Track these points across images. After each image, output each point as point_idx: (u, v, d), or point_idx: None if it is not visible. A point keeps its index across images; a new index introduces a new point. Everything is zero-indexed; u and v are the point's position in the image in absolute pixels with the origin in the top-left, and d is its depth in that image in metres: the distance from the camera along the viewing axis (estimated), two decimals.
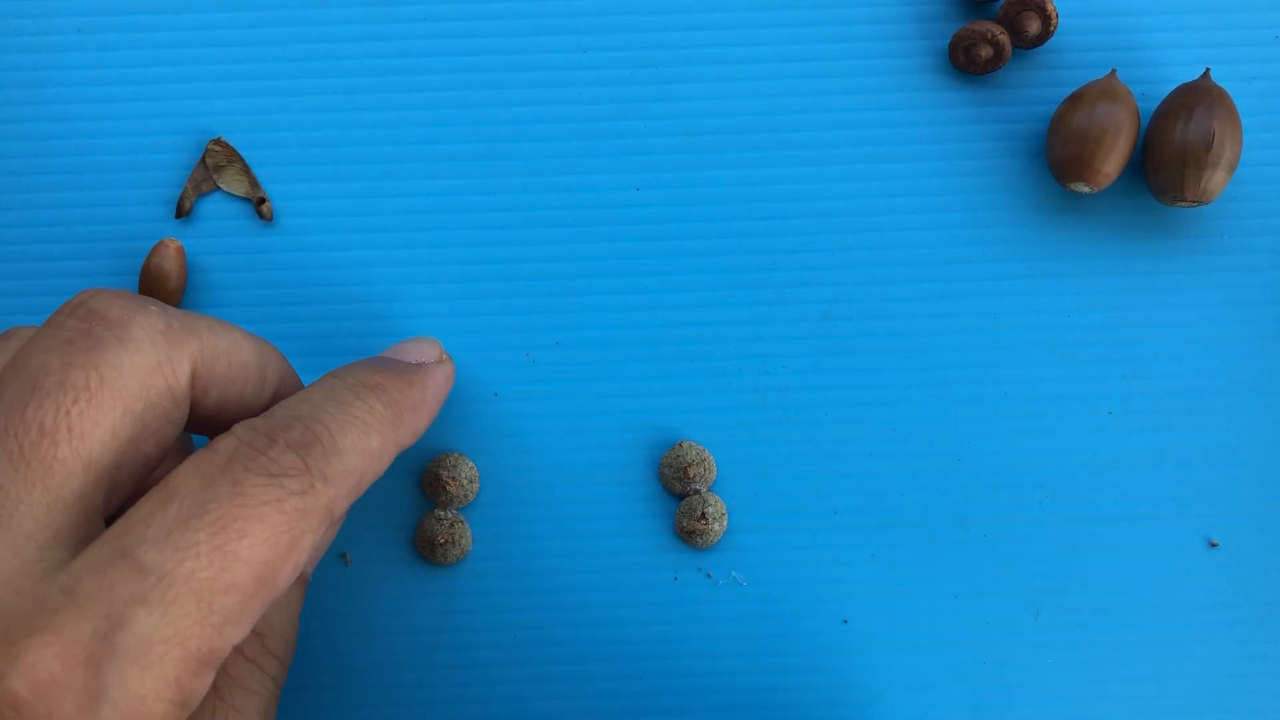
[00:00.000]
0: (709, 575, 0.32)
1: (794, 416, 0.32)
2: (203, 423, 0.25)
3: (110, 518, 0.23)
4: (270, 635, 0.26)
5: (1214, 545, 0.32)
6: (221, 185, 0.32)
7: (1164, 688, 0.32)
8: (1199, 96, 0.31)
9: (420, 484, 0.32)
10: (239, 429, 0.23)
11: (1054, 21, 0.32)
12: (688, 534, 0.31)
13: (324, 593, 0.32)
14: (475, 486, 0.32)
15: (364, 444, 0.25)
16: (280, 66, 0.33)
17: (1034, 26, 0.32)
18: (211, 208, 0.33)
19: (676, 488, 0.31)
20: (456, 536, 0.31)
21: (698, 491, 0.31)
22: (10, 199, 0.32)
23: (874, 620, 0.32)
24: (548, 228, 0.32)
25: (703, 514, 0.31)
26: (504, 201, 0.32)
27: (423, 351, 0.29)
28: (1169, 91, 0.32)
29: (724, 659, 0.32)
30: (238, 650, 0.25)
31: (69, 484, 0.21)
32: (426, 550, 0.31)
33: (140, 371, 0.23)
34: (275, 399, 0.27)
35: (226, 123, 0.33)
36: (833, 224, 0.32)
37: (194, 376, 0.24)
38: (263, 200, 0.32)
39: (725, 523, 0.32)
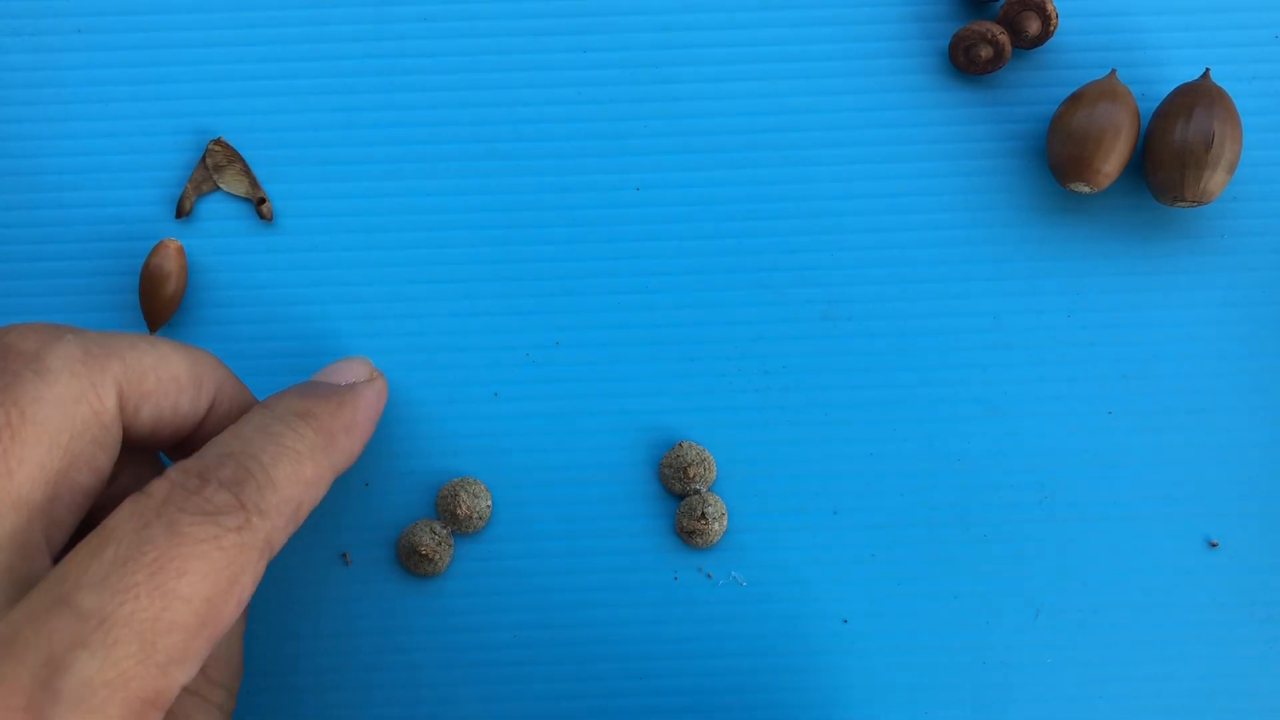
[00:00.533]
0: (709, 575, 0.32)
1: (794, 416, 0.32)
2: (142, 440, 0.25)
3: (59, 553, 0.23)
4: (213, 665, 0.26)
5: (1214, 545, 0.32)
6: (222, 185, 0.32)
7: (1164, 688, 0.32)
8: (1199, 96, 0.31)
9: (434, 504, 0.32)
10: (172, 471, 0.23)
11: (1054, 21, 0.32)
12: (688, 534, 0.31)
13: (323, 591, 0.32)
14: (487, 516, 0.32)
15: (298, 474, 0.25)
16: (280, 67, 0.33)
17: (1034, 26, 0.32)
18: (212, 208, 0.33)
19: (676, 487, 0.31)
20: (441, 555, 0.31)
21: (698, 491, 0.31)
22: (10, 199, 0.32)
23: (874, 620, 0.32)
24: (548, 228, 0.32)
25: (703, 514, 0.31)
26: (504, 201, 0.32)
27: (353, 371, 0.29)
28: (1169, 91, 0.32)
29: (724, 659, 0.32)
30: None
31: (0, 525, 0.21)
32: (407, 559, 0.31)
33: (62, 402, 0.22)
34: (214, 407, 0.27)
35: (227, 123, 0.33)
36: (833, 224, 0.32)
37: (121, 398, 0.24)
38: (263, 200, 0.32)
39: (725, 523, 0.32)
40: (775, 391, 0.32)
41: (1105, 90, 0.31)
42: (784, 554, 0.32)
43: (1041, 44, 0.32)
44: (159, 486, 0.23)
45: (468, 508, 0.31)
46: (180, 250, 0.32)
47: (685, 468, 0.31)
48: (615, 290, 0.32)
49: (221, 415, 0.27)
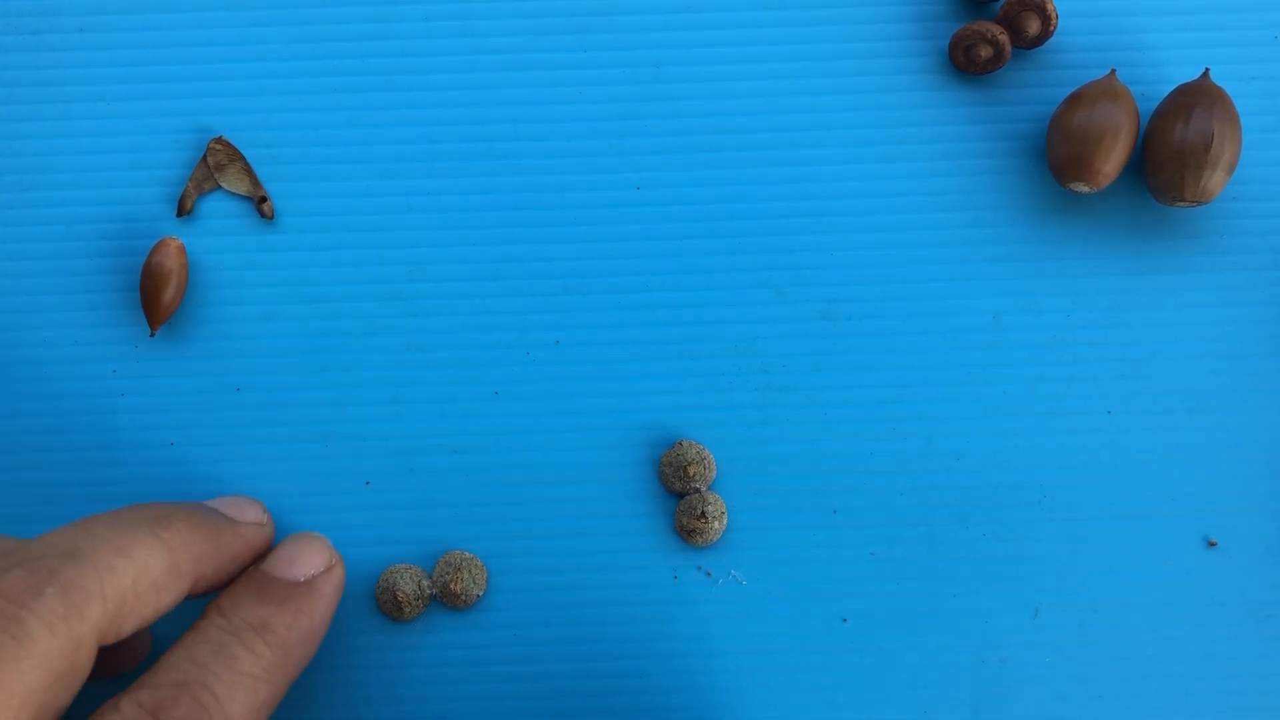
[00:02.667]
0: (709, 574, 0.32)
1: (794, 416, 0.32)
2: (117, 643, 0.25)
3: None
4: None
5: (1213, 545, 0.32)
6: (223, 184, 0.32)
7: (1163, 687, 0.32)
8: (1199, 96, 0.31)
9: (432, 578, 0.32)
10: (125, 705, 0.23)
11: (1054, 21, 0.32)
12: (688, 532, 0.31)
13: None
14: (475, 599, 0.31)
15: (253, 702, 0.25)
16: (281, 66, 0.33)
17: (1034, 26, 0.32)
18: (213, 206, 0.33)
19: (676, 486, 0.31)
20: (413, 609, 0.31)
21: (698, 490, 0.31)
22: (11, 198, 0.32)
23: (873, 620, 0.32)
24: (548, 228, 0.32)
25: (702, 512, 0.31)
26: (504, 201, 0.33)
27: (309, 560, 0.29)
28: (1169, 91, 0.32)
29: (724, 658, 0.32)
30: None
31: None
32: (389, 606, 0.31)
33: (40, 664, 0.22)
34: (196, 583, 0.26)
35: (228, 122, 0.33)
36: (833, 224, 0.32)
37: (100, 636, 0.24)
38: (264, 199, 0.32)
39: (725, 521, 0.32)
40: (775, 391, 0.32)
41: (1105, 90, 0.31)
42: (784, 553, 0.32)
43: (1041, 44, 0.32)
44: None
45: (462, 586, 0.31)
46: (181, 249, 0.32)
47: (685, 466, 0.31)
48: (615, 290, 0.32)
49: (206, 582, 0.27)
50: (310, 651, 0.27)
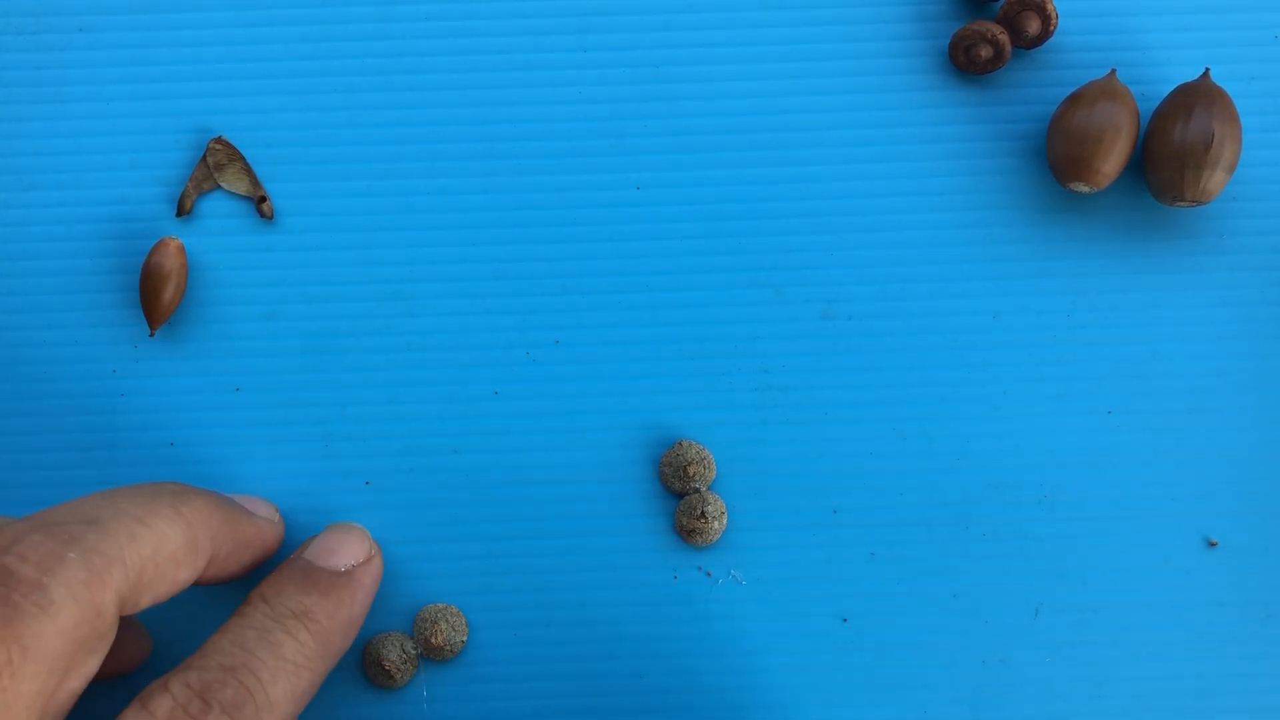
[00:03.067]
0: (708, 574, 0.32)
1: (794, 416, 0.32)
2: (139, 610, 0.25)
3: None
4: None
5: (1213, 544, 0.32)
6: (222, 184, 0.32)
7: (1163, 687, 0.32)
8: (1199, 96, 0.31)
9: (412, 630, 0.32)
10: (174, 686, 0.24)
11: (1054, 21, 0.32)
12: (687, 532, 0.31)
13: None
14: (463, 640, 0.31)
15: (295, 689, 0.25)
16: (281, 66, 0.33)
17: (1034, 26, 0.32)
18: (212, 206, 0.33)
19: (676, 486, 0.31)
20: (403, 674, 0.31)
21: (697, 490, 0.31)
22: (11, 198, 0.32)
23: (873, 619, 0.32)
24: (548, 228, 0.32)
25: (702, 512, 0.31)
26: (504, 201, 0.33)
27: (350, 550, 0.29)
28: (1169, 91, 0.32)
29: (724, 658, 0.32)
30: None
31: None
32: (374, 671, 0.31)
33: (64, 631, 0.22)
34: (212, 560, 0.26)
35: (227, 122, 0.33)
36: (833, 224, 0.32)
37: (121, 603, 0.24)
38: (263, 199, 0.32)
39: (725, 521, 0.32)
40: (775, 391, 0.32)
41: (1105, 90, 0.31)
42: (784, 553, 0.32)
43: (1041, 44, 0.32)
44: (161, 704, 0.23)
45: (443, 638, 0.31)
46: (181, 249, 0.32)
47: (685, 466, 0.31)
48: (615, 290, 0.32)
49: (220, 566, 0.27)
50: (349, 641, 0.28)
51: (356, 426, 0.32)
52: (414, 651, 0.31)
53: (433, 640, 0.31)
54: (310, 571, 0.28)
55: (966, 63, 0.32)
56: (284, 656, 0.26)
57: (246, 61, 0.33)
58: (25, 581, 0.22)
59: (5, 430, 0.32)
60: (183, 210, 0.32)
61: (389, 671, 0.31)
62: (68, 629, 0.22)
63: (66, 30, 0.33)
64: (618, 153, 0.33)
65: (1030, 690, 0.32)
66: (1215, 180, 0.30)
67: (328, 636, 0.27)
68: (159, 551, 0.24)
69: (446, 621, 0.31)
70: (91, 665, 0.23)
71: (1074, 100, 0.31)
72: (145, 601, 0.25)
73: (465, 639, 0.31)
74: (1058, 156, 0.31)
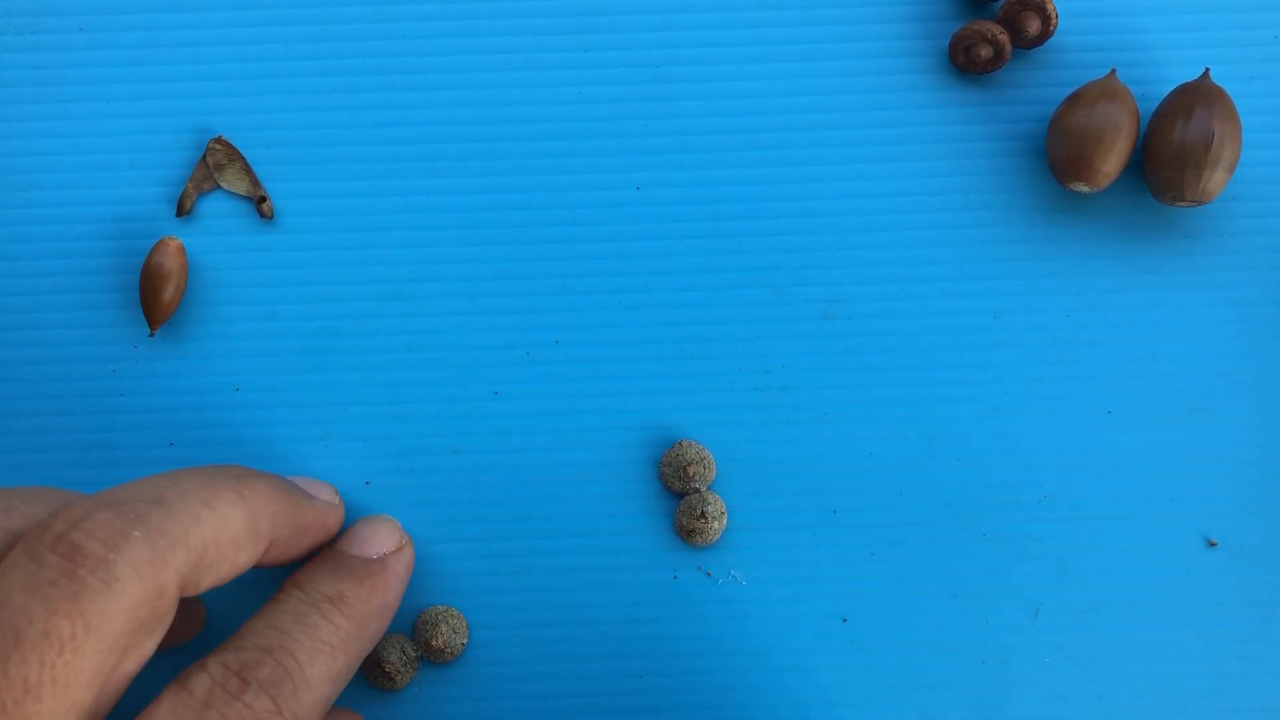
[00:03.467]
0: (708, 574, 0.32)
1: (794, 416, 0.32)
2: (199, 592, 0.25)
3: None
4: None
5: (1213, 545, 0.32)
6: (222, 184, 0.32)
7: (1163, 687, 0.32)
8: (1199, 96, 0.31)
9: (412, 633, 0.31)
10: (212, 666, 0.24)
11: (1054, 21, 0.32)
12: (687, 533, 0.31)
13: None
14: (464, 642, 0.31)
15: (331, 670, 0.26)
16: (281, 66, 0.33)
17: (1034, 26, 0.32)
18: (212, 206, 0.33)
19: (676, 486, 0.31)
20: (403, 676, 0.31)
21: (697, 490, 0.31)
22: (11, 198, 0.32)
23: (873, 619, 0.32)
24: (548, 228, 0.32)
25: (702, 513, 0.31)
26: (504, 201, 0.33)
27: (382, 539, 0.29)
28: (1169, 91, 0.32)
29: (723, 658, 0.32)
30: None
31: None
32: (374, 674, 0.31)
33: (126, 610, 0.22)
34: (271, 546, 0.27)
35: (227, 122, 0.33)
36: (833, 224, 0.32)
37: (183, 585, 0.24)
38: (263, 199, 0.32)
39: (725, 521, 0.32)
40: (775, 391, 0.32)
41: (1105, 90, 0.31)
42: (784, 553, 0.32)
43: (1041, 44, 0.32)
44: (199, 683, 0.24)
45: (444, 640, 0.31)
46: (181, 249, 0.32)
47: (685, 466, 0.31)
48: (615, 290, 0.32)
49: (280, 549, 0.27)
50: (383, 627, 0.28)
51: (356, 426, 0.32)
52: (414, 654, 0.31)
53: (433, 643, 0.31)
54: (343, 559, 0.28)
55: (966, 63, 0.32)
56: (320, 638, 0.26)
57: (246, 61, 0.33)
58: (92, 557, 0.22)
59: (5, 430, 0.32)
60: (183, 210, 0.32)
61: (389, 674, 0.31)
62: (130, 608, 0.22)
63: (66, 30, 0.33)
64: (618, 153, 0.33)
65: (1030, 690, 0.32)
66: (1215, 180, 0.30)
67: (362, 620, 0.27)
68: (221, 534, 0.25)
69: (447, 624, 0.31)
70: (148, 647, 0.23)
71: (1074, 100, 0.31)
72: (206, 583, 0.25)
73: (465, 641, 0.31)
74: (1058, 156, 0.31)
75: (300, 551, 0.28)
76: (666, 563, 0.32)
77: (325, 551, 0.29)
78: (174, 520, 0.24)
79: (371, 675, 0.31)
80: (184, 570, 0.23)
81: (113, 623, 0.22)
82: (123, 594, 0.22)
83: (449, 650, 0.31)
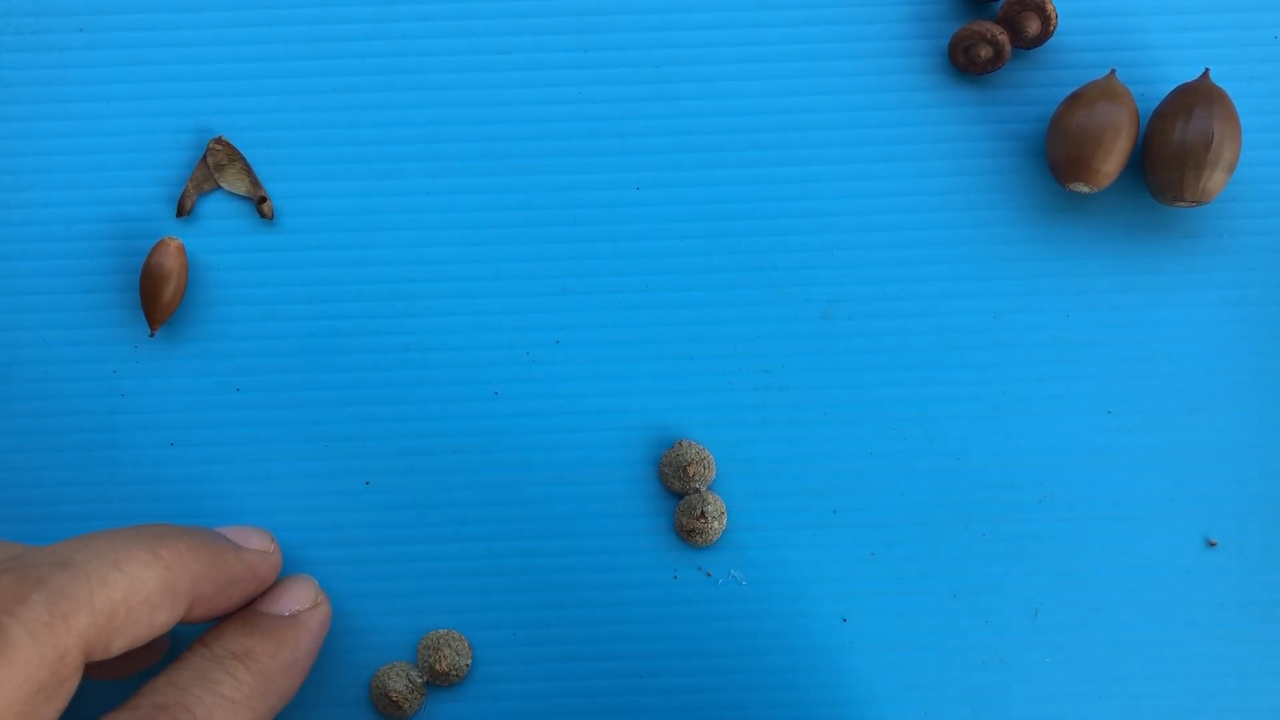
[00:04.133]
0: (708, 574, 0.32)
1: (794, 416, 0.32)
2: (115, 657, 0.25)
3: None
4: None
5: (1213, 545, 0.32)
6: (223, 184, 0.32)
7: (1163, 687, 0.32)
8: (1198, 96, 0.31)
9: (416, 654, 0.31)
10: None
11: (1054, 21, 0.32)
12: (687, 532, 0.31)
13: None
14: (465, 673, 0.31)
15: None
16: (281, 66, 0.33)
17: (1034, 26, 0.32)
18: (213, 207, 0.33)
19: (676, 486, 0.31)
20: (411, 704, 0.31)
21: (697, 490, 0.31)
22: (11, 198, 0.32)
23: (873, 619, 0.32)
24: (548, 227, 0.32)
25: (702, 512, 0.31)
26: (504, 201, 0.33)
27: (295, 596, 0.29)
28: (1168, 91, 0.32)
29: (723, 658, 0.32)
30: None
31: None
32: (382, 704, 0.31)
33: (20, 672, 0.22)
34: (193, 605, 0.26)
35: (228, 122, 0.33)
36: (833, 224, 0.32)
37: (88, 649, 0.23)
38: (264, 199, 0.32)
39: (725, 521, 0.32)
40: (775, 391, 0.32)
41: (1105, 90, 0.31)
42: (784, 553, 0.32)
43: (1041, 44, 0.32)
44: None
45: (448, 664, 0.31)
46: (181, 249, 0.32)
47: (685, 466, 0.31)
48: (615, 290, 0.32)
49: (206, 605, 0.27)
50: (294, 684, 0.28)
51: (356, 426, 0.32)
52: (420, 680, 0.31)
53: (437, 667, 0.31)
54: (252, 616, 0.28)
55: (966, 63, 0.32)
56: (221, 694, 0.25)
57: (246, 61, 0.33)
58: None
59: (5, 430, 0.32)
60: (183, 210, 0.32)
61: (396, 702, 0.31)
62: (26, 672, 0.22)
63: (66, 30, 0.33)
64: (618, 153, 0.33)
65: (1030, 690, 0.32)
66: (1215, 180, 0.30)
67: (269, 676, 0.27)
68: (132, 595, 0.24)
69: (449, 646, 0.31)
70: (48, 714, 0.23)
71: (1074, 100, 0.31)
72: (119, 645, 0.24)
73: (470, 662, 0.31)
74: (1058, 156, 0.31)
75: (231, 605, 0.28)
76: (666, 563, 0.32)
77: (239, 610, 0.28)
78: (78, 583, 0.23)
79: (380, 705, 0.31)
80: (88, 633, 0.23)
81: (5, 686, 0.21)
82: (16, 656, 0.22)
83: (454, 673, 0.31)
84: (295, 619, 0.28)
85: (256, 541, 0.29)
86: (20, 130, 0.33)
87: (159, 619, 0.25)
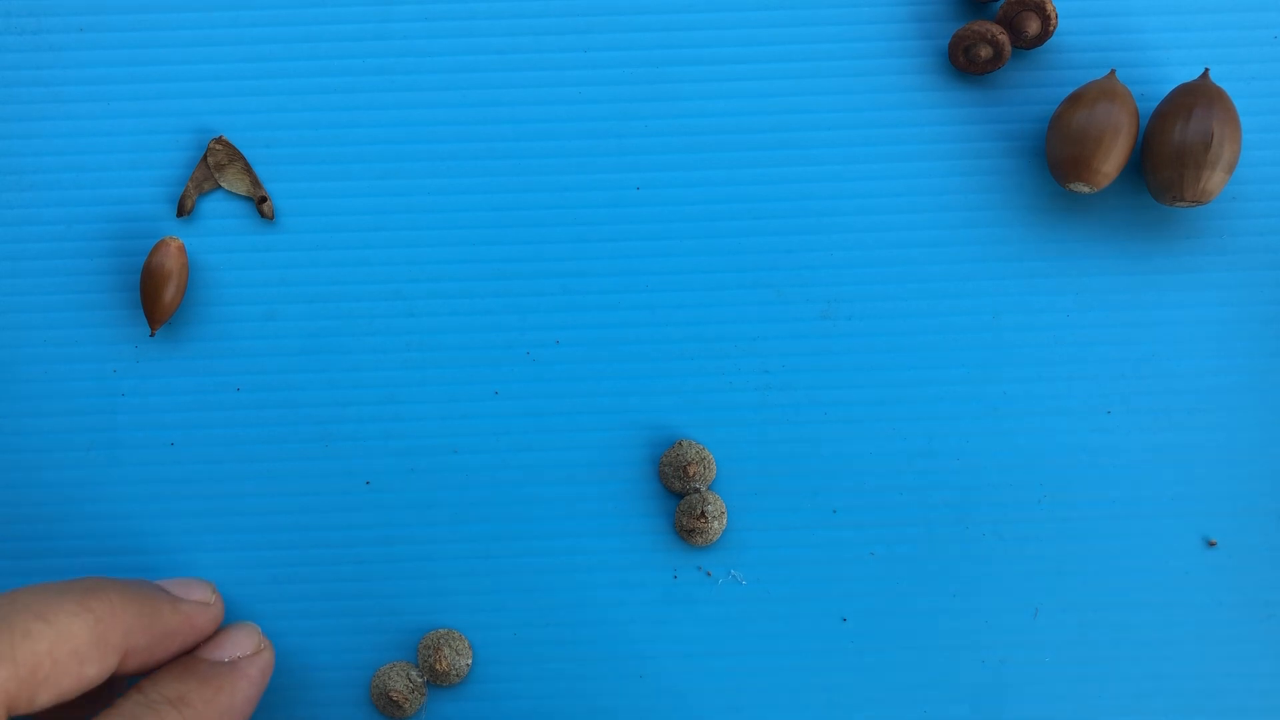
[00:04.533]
0: (708, 574, 0.32)
1: (794, 416, 0.32)
2: (47, 711, 0.25)
3: None
4: None
5: (1212, 545, 0.32)
6: (223, 184, 0.32)
7: (1163, 687, 0.32)
8: (1198, 96, 0.31)
9: (417, 656, 0.31)
10: None
11: (1054, 21, 0.32)
12: (687, 532, 0.31)
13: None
14: (465, 674, 0.31)
15: None
16: (281, 66, 0.33)
17: (1034, 26, 0.32)
18: (213, 206, 0.33)
19: (676, 486, 0.31)
20: (412, 703, 0.31)
21: (697, 490, 0.31)
22: (12, 197, 0.32)
23: (873, 619, 0.32)
24: (548, 227, 0.32)
25: (702, 512, 0.31)
26: (504, 201, 0.33)
27: (237, 643, 0.29)
28: (1168, 91, 0.32)
29: (723, 657, 0.32)
30: None
31: None
32: (382, 703, 0.31)
33: None
34: (127, 657, 0.26)
35: (228, 122, 0.33)
36: (833, 224, 0.32)
37: (10, 702, 0.23)
38: (264, 199, 0.32)
39: (725, 521, 0.32)
40: (775, 391, 0.32)
41: (1105, 90, 0.31)
42: (784, 553, 0.32)
43: (1041, 44, 0.32)
44: None
45: (447, 664, 0.31)
46: (181, 249, 0.32)
47: (685, 466, 0.31)
48: (615, 290, 0.32)
49: (140, 657, 0.26)
50: None
51: (356, 426, 0.32)
52: (420, 679, 0.31)
53: (437, 666, 0.31)
54: (191, 662, 0.28)
55: (966, 63, 0.32)
56: None
57: (246, 61, 0.33)
58: None
59: (5, 430, 0.32)
60: (183, 210, 0.32)
61: (397, 701, 0.31)
62: None
63: (66, 30, 0.33)
64: (618, 153, 0.33)
65: (1029, 689, 0.32)
66: (1215, 180, 0.30)
67: None
68: (57, 647, 0.24)
69: (449, 646, 0.31)
70: None
71: (1074, 100, 0.31)
72: (44, 698, 0.24)
73: (470, 661, 0.31)
74: (1058, 156, 0.31)
75: (165, 656, 0.27)
76: (667, 562, 0.32)
77: (179, 657, 0.28)
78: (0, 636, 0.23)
79: (380, 705, 0.31)
80: (9, 686, 0.23)
81: None
82: None
83: (454, 672, 0.31)
84: (235, 665, 0.28)
85: (197, 593, 0.29)
86: (20, 130, 0.33)
87: (88, 671, 0.24)
